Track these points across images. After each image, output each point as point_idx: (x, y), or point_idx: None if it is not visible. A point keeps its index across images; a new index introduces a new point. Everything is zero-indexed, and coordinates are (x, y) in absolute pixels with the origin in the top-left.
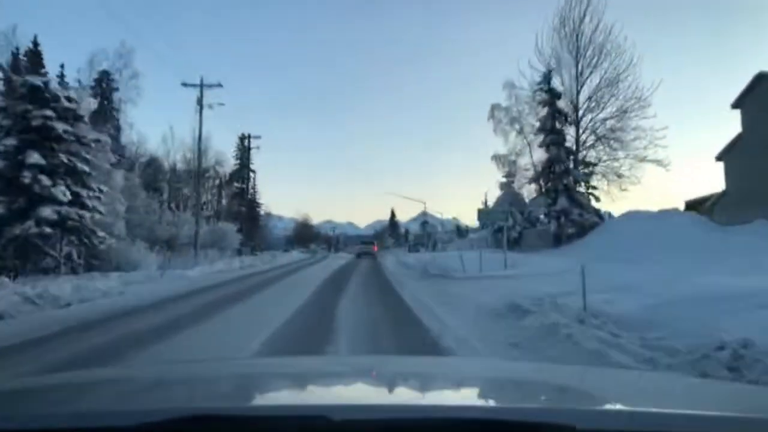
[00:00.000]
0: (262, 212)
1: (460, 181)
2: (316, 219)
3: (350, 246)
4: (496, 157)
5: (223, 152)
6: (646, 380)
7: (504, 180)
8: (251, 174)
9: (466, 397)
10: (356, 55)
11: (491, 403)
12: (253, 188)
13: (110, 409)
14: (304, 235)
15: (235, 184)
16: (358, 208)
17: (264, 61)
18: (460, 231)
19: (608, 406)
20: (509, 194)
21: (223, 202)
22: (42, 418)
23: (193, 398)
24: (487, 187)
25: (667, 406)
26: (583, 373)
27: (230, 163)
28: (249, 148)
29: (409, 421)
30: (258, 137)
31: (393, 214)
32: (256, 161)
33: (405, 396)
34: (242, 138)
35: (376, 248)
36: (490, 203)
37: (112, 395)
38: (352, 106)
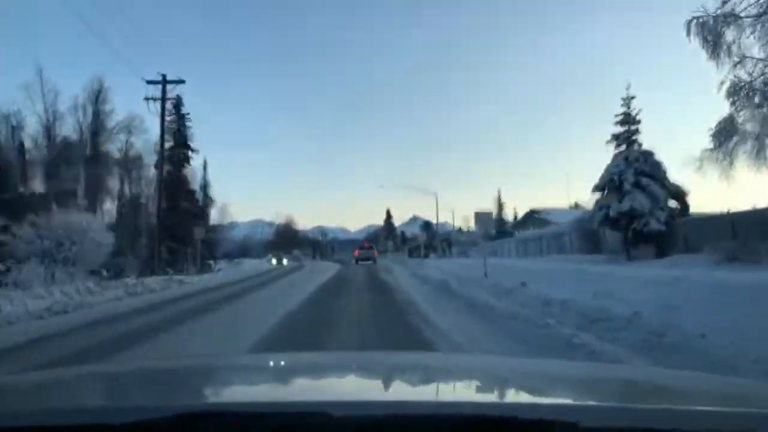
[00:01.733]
0: (216, 212)
1: (461, 181)
2: (307, 225)
3: (340, 251)
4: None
5: (140, 116)
6: (650, 376)
7: (622, 129)
8: (190, 153)
9: (469, 393)
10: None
11: (494, 399)
12: (204, 179)
13: (105, 406)
14: (289, 239)
15: (167, 169)
16: (350, 213)
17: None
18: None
19: (612, 403)
20: (624, 157)
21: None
22: (35, 414)
23: (189, 395)
24: (498, 185)
25: (672, 402)
26: (586, 369)
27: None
28: (164, 99)
29: (410, 418)
30: (181, 82)
31: (388, 215)
32: (210, 148)
33: (406, 392)
34: (162, 82)
35: (377, 253)
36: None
37: (107, 392)
38: (342, 109)
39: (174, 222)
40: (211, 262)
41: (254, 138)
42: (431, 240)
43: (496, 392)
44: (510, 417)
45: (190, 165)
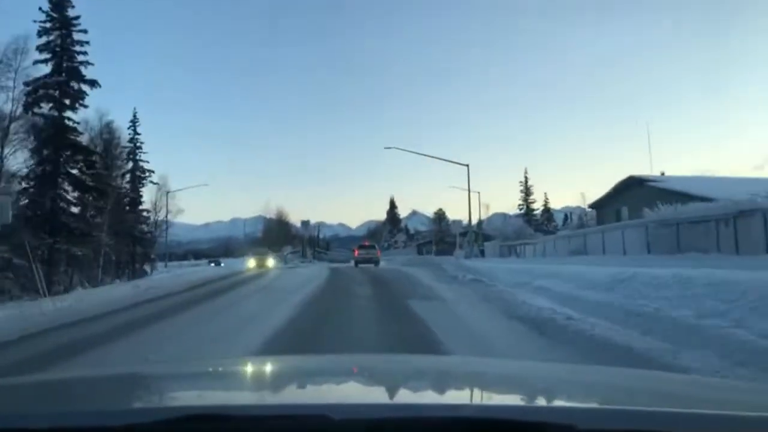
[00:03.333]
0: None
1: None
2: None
3: (340, 248)
4: None
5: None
6: (647, 379)
7: None
8: (83, 87)
9: (467, 395)
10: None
11: (492, 401)
12: (133, 142)
13: (106, 408)
14: (282, 236)
15: (37, 111)
16: (350, 209)
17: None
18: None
19: (609, 405)
20: None
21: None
22: (37, 417)
23: (190, 397)
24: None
25: (669, 405)
26: (584, 371)
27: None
28: None
29: (408, 420)
30: None
31: (392, 205)
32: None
33: (405, 395)
34: None
35: (379, 253)
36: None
37: (107, 394)
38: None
39: (50, 205)
40: (148, 267)
41: (258, 134)
42: (445, 235)
43: (495, 395)
44: (509, 419)
45: (84, 107)
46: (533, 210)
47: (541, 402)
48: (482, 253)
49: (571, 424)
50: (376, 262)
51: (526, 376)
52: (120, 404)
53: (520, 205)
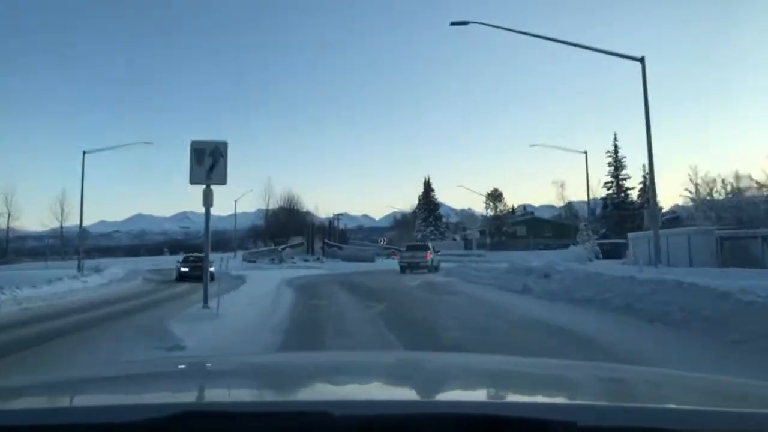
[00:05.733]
0: None
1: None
2: (331, 212)
3: (358, 242)
4: None
5: None
6: (647, 376)
7: None
8: None
9: (468, 392)
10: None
11: (493, 398)
12: None
13: (105, 405)
14: (288, 226)
15: None
16: (373, 201)
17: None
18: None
19: (610, 402)
20: None
21: None
22: (36, 413)
23: (189, 395)
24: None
25: (670, 402)
26: (584, 369)
27: None
28: None
29: (409, 417)
30: None
31: (428, 187)
32: None
33: (406, 391)
34: None
35: (428, 256)
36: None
37: (107, 391)
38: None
39: None
40: None
41: (280, 123)
42: (503, 223)
43: (495, 391)
44: (509, 416)
45: None
46: (626, 189)
47: (541, 399)
48: (603, 254)
49: (572, 420)
50: (433, 268)
51: (526, 373)
52: (119, 401)
53: (607, 183)
